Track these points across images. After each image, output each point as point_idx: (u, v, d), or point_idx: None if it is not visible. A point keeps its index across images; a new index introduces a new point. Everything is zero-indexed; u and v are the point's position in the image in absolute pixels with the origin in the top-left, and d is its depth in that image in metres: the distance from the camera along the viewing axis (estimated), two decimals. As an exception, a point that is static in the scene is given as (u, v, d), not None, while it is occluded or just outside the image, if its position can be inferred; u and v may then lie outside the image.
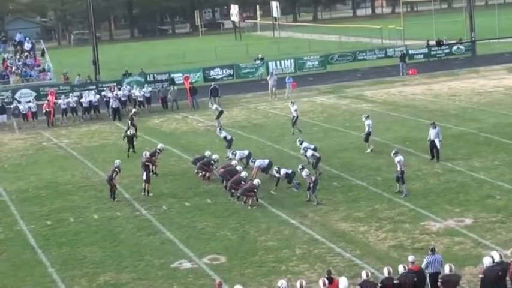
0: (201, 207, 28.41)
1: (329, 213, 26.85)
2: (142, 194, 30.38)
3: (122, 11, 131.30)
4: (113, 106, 48.40)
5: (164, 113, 49.63)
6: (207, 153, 32.51)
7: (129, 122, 41.75)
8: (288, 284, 18.07)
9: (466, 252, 22.38)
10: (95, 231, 26.60)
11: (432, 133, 32.47)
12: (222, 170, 30.58)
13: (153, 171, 32.20)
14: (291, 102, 41.20)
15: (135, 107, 47.82)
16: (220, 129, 37.00)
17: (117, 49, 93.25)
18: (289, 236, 24.83)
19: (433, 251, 19.37)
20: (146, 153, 31.82)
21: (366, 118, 35.57)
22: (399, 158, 28.52)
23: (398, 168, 28.25)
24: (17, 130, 46.64)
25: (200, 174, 31.87)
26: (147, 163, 31.06)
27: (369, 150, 34.67)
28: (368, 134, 35.05)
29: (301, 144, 33.08)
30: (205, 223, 26.57)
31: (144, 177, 30.45)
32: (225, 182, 30.06)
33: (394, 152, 29.22)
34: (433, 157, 32.38)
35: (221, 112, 43.03)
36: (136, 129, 41.86)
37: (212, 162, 31.75)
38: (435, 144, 32.35)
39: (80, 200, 30.57)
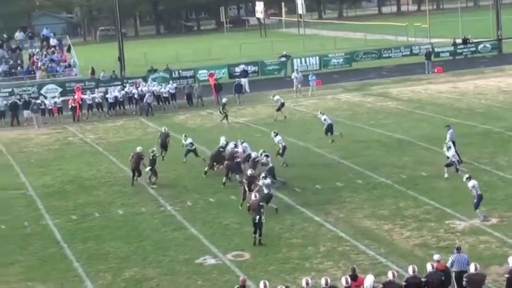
0: (225, 203, 28.44)
1: (353, 211, 26.79)
2: (147, 181, 31.28)
3: (148, 7, 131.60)
4: (148, 101, 48.48)
5: (189, 109, 49.75)
6: (222, 140, 32.78)
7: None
8: (311, 282, 18.00)
9: (491, 252, 22.26)
10: (120, 227, 26.73)
11: (448, 136, 31.55)
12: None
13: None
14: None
15: (158, 103, 47.97)
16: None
17: (143, 45, 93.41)
18: (313, 233, 24.82)
19: (458, 249, 19.28)
20: (153, 150, 32.24)
21: (321, 114, 37.24)
22: (473, 182, 25.20)
23: (474, 193, 25.07)
24: (36, 125, 46.86)
25: (216, 166, 32.04)
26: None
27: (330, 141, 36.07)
28: (329, 126, 36.40)
29: (276, 136, 33.56)
30: (229, 219, 26.62)
31: (148, 169, 31.28)
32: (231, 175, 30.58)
33: (466, 177, 25.69)
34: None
35: (282, 104, 43.89)
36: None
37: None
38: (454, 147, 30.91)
39: (105, 195, 30.73)
